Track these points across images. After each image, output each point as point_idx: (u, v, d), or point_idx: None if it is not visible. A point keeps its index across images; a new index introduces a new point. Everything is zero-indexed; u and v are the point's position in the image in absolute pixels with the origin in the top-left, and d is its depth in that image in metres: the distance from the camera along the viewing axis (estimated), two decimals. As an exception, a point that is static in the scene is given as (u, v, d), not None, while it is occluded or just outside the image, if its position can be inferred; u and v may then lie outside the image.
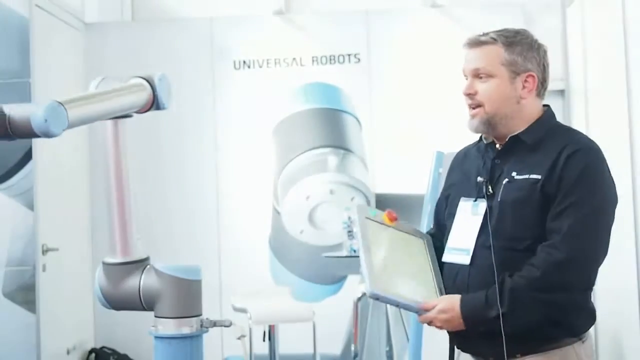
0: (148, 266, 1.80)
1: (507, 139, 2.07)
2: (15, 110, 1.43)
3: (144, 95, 1.76)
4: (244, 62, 5.44)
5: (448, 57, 5.22)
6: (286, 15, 5.54)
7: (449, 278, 2.10)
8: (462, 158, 2.24)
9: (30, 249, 4.57)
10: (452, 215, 2.13)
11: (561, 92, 5.34)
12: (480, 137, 2.17)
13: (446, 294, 2.08)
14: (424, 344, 3.53)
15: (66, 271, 4.90)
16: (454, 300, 1.98)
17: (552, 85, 2.14)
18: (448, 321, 1.98)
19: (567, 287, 1.93)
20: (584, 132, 2.19)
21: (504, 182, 2.02)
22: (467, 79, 2.10)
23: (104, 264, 1.78)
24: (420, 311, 2.01)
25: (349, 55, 5.41)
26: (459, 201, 2.13)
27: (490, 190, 2.04)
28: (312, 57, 5.42)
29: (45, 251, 4.62)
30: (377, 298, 1.99)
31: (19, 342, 4.51)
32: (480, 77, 2.05)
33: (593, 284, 2.00)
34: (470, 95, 2.07)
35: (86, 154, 5.32)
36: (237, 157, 5.40)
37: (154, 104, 1.78)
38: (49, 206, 4.70)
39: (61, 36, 5.15)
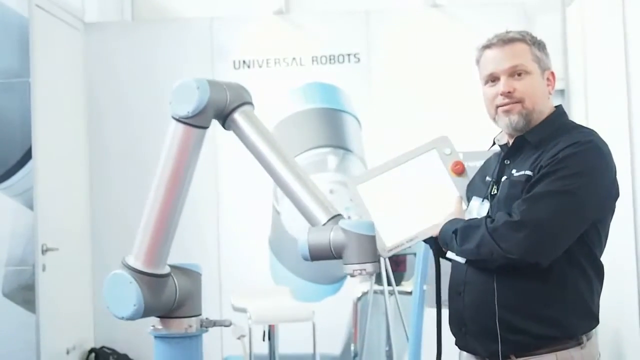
0: (171, 270, 1.80)
1: (513, 139, 2.06)
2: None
3: None
4: (244, 62, 5.44)
5: (448, 57, 5.26)
6: (286, 15, 5.54)
7: (451, 275, 2.12)
8: (486, 162, 2.24)
9: (30, 249, 4.57)
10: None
11: (561, 92, 5.34)
12: (493, 140, 2.16)
13: (448, 289, 2.11)
14: (424, 344, 3.53)
15: (66, 271, 4.90)
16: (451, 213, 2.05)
17: (551, 84, 2.13)
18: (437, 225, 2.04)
19: (514, 248, 1.85)
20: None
21: (502, 180, 2.02)
22: (492, 82, 2.05)
23: (150, 275, 1.73)
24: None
25: (348, 55, 5.41)
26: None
27: (495, 190, 2.05)
28: (312, 57, 5.42)
29: (45, 251, 4.61)
30: (352, 184, 2.09)
31: (19, 342, 4.51)
32: (518, 75, 2.02)
33: (544, 261, 1.88)
34: (510, 94, 2.02)
35: (86, 154, 5.32)
36: (236, 156, 5.38)
37: None
38: (48, 206, 4.70)
39: (61, 36, 5.15)
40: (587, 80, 4.98)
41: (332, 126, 5.36)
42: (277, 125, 5.37)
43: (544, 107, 2.05)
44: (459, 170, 2.07)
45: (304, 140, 5.33)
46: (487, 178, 2.09)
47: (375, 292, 4.44)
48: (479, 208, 2.07)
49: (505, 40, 2.04)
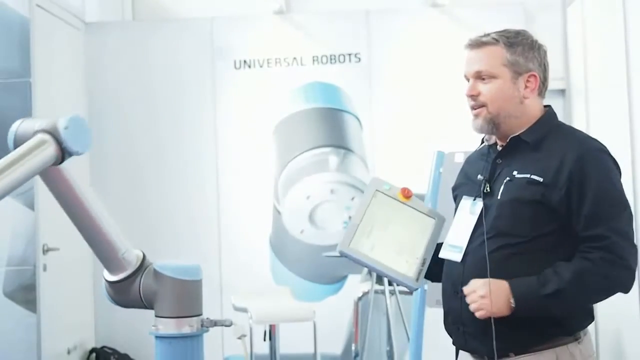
0: (148, 268, 1.81)
1: (508, 140, 2.08)
2: None
3: (50, 151, 1.65)
4: (245, 61, 5.44)
5: (448, 56, 5.23)
6: (286, 15, 5.54)
7: (446, 273, 2.13)
8: (468, 161, 2.26)
9: (31, 249, 4.57)
10: None
11: (562, 92, 5.34)
12: (482, 140, 2.18)
13: (442, 288, 2.13)
14: (425, 344, 3.53)
15: (67, 271, 4.90)
16: (500, 282, 1.95)
17: (552, 84, 2.15)
18: (495, 301, 1.93)
19: (623, 286, 1.96)
20: (585, 132, 2.19)
21: (504, 180, 2.02)
22: (468, 81, 2.10)
23: (106, 281, 1.84)
24: (399, 281, 2.09)
25: (349, 55, 5.41)
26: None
27: (488, 189, 2.05)
28: (313, 57, 5.42)
29: (45, 251, 4.62)
30: (344, 256, 2.10)
31: (20, 342, 4.51)
32: (483, 79, 2.06)
33: None
34: (473, 96, 2.08)
35: (86, 154, 5.31)
36: (237, 157, 5.40)
37: (64, 155, 1.70)
38: (49, 206, 4.66)
39: (61, 36, 5.15)
40: (587, 80, 4.98)
41: (332, 126, 5.36)
42: (277, 125, 5.38)
43: (514, 111, 2.06)
44: (409, 194, 2.16)
45: (305, 140, 5.34)
46: (479, 177, 2.10)
47: (376, 292, 4.44)
48: (471, 207, 2.08)
49: (478, 43, 2.08)
